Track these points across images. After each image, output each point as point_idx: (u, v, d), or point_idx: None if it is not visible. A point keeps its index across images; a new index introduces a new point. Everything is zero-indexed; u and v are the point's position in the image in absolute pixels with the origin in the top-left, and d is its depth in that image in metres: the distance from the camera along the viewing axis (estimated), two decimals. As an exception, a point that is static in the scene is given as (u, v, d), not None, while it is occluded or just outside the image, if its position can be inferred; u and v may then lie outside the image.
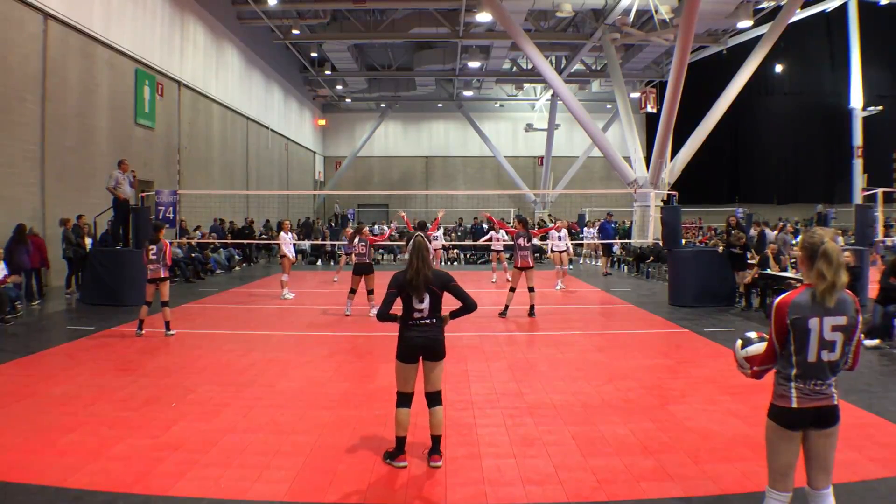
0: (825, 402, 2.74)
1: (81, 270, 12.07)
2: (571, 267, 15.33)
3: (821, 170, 37.61)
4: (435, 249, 13.81)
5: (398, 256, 22.37)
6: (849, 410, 5.18)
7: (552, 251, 14.62)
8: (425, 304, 4.16)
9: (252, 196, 24.89)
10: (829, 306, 2.70)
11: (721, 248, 11.72)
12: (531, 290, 10.13)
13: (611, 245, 18.06)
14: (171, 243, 9.27)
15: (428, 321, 4.17)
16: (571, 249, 15.65)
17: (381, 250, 22.22)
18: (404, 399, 4.19)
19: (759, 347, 2.94)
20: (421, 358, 4.19)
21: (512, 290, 10.24)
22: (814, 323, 2.70)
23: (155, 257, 8.39)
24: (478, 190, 35.74)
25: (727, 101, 20.37)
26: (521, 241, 10.12)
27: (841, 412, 2.80)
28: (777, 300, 2.79)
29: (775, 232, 18.99)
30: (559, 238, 14.39)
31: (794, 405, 2.73)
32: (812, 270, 2.75)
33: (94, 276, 11.33)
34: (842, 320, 2.72)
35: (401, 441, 4.17)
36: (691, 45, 15.74)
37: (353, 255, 10.58)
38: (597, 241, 19.62)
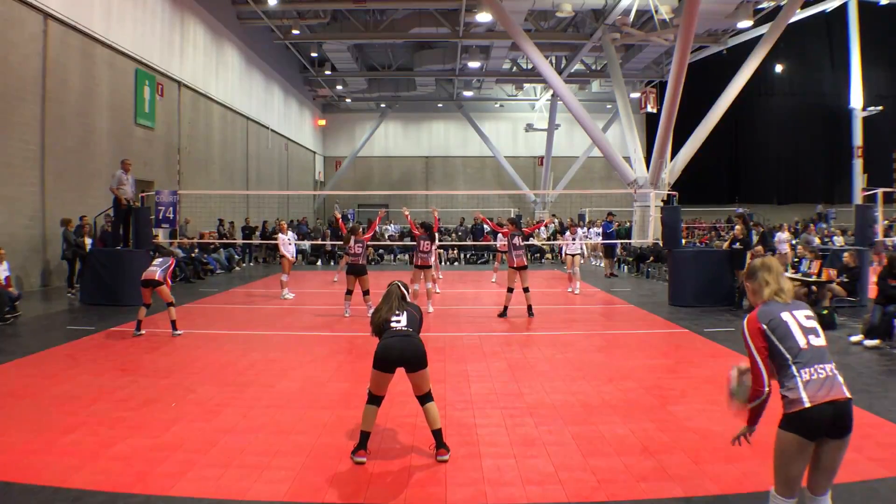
0: (838, 394, 2.68)
1: (81, 270, 12.08)
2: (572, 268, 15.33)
3: (821, 170, 37.64)
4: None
5: (398, 256, 22.37)
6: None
7: (566, 254, 14.51)
8: (402, 317, 4.35)
9: (252, 196, 24.90)
10: (786, 302, 2.87)
11: (726, 244, 11.73)
12: (526, 290, 10.15)
13: (613, 246, 18.04)
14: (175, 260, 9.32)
15: (405, 328, 4.31)
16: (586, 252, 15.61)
17: (380, 250, 22.21)
18: (374, 399, 4.26)
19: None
20: (404, 370, 4.23)
21: (510, 290, 10.24)
22: (787, 315, 2.82)
23: (156, 266, 8.41)
24: (478, 190, 35.75)
25: (727, 101, 20.38)
26: (515, 240, 10.14)
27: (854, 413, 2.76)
28: (744, 320, 2.91)
29: (784, 234, 19.01)
30: (573, 240, 14.34)
31: (808, 403, 2.65)
32: (755, 283, 2.95)
33: (94, 276, 11.34)
34: (808, 311, 2.87)
35: (364, 436, 4.21)
36: (691, 45, 15.73)
37: (348, 256, 10.58)
38: (594, 240, 19.64)
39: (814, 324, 2.81)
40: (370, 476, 3.98)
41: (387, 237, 23.56)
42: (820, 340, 2.77)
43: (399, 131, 38.78)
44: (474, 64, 28.03)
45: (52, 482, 3.81)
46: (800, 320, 2.80)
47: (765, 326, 2.79)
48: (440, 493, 3.76)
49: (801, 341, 2.75)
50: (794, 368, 2.72)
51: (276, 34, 24.56)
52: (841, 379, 2.73)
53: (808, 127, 37.51)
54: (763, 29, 21.46)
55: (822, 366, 2.72)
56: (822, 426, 2.67)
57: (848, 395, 2.70)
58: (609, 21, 21.28)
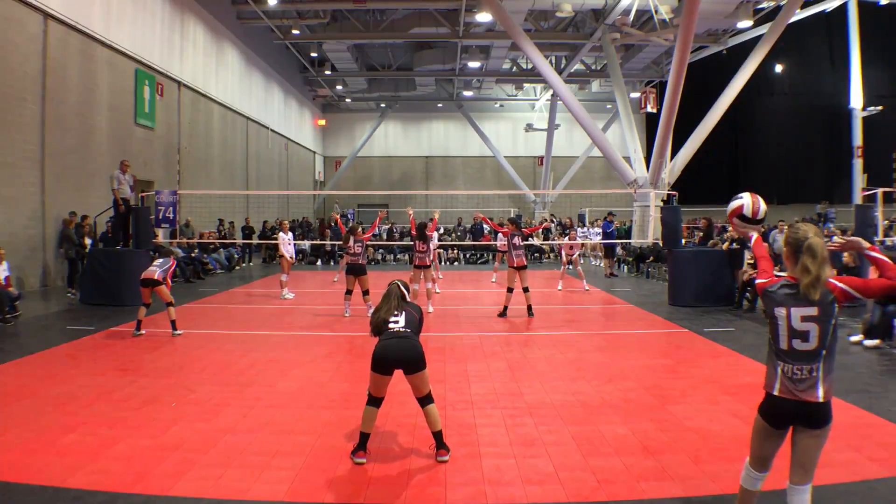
0: (809, 396, 2.70)
1: (81, 270, 12.08)
2: (570, 267, 15.45)
3: (821, 170, 37.61)
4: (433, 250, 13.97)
5: (398, 256, 22.37)
6: (849, 410, 5.18)
7: (568, 256, 15.51)
8: (401, 318, 4.34)
9: (252, 196, 24.90)
10: (812, 299, 2.72)
11: (726, 245, 11.73)
12: (526, 290, 10.16)
13: (613, 246, 18.10)
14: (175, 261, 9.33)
15: (403, 329, 4.29)
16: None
17: (380, 250, 22.21)
18: (374, 401, 4.25)
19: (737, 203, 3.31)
20: (402, 372, 4.22)
21: (509, 290, 10.25)
22: (780, 312, 2.75)
23: (157, 266, 8.42)
24: (478, 190, 35.74)
25: (727, 101, 20.37)
26: (515, 240, 10.15)
27: (836, 413, 2.79)
28: (757, 282, 2.93)
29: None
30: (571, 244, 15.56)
31: (776, 392, 2.77)
32: (797, 265, 2.78)
33: (94, 276, 11.34)
34: (812, 311, 2.72)
35: (364, 437, 4.21)
36: (691, 45, 15.73)
37: (348, 256, 10.57)
38: (594, 240, 19.67)
39: (808, 326, 2.72)
40: (370, 476, 3.98)
41: (386, 237, 23.56)
42: (807, 345, 2.73)
43: (399, 131, 38.78)
44: (474, 64, 28.03)
45: (52, 482, 3.82)
46: (793, 322, 2.73)
47: (764, 307, 2.87)
48: (440, 493, 3.76)
49: (783, 343, 2.76)
50: (777, 357, 2.81)
51: (276, 34, 24.56)
52: (820, 383, 2.71)
53: (808, 127, 37.48)
54: (763, 29, 21.45)
55: (801, 366, 2.73)
56: (784, 416, 2.76)
57: (821, 399, 2.71)
58: (609, 21, 21.27)
